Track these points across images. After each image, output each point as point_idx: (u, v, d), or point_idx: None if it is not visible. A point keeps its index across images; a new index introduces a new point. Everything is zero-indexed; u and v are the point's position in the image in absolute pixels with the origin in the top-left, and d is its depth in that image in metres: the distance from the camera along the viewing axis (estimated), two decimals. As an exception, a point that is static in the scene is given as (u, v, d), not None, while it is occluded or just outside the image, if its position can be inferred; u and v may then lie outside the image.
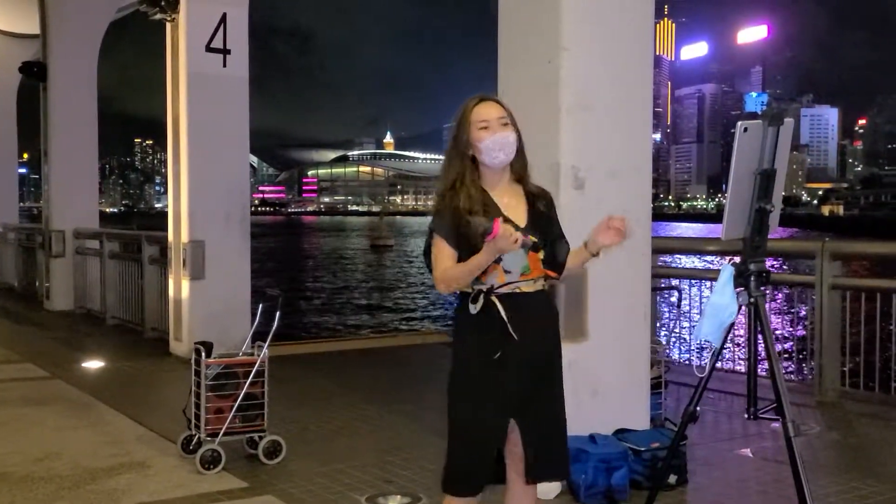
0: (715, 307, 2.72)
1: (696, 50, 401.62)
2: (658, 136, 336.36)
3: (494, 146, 2.91)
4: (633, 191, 4.95)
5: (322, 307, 28.23)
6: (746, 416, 2.80)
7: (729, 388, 6.80)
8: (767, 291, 7.44)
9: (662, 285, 7.73)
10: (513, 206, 2.96)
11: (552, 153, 4.72)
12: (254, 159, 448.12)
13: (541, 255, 2.91)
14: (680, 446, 4.85)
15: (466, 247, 2.82)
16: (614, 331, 4.93)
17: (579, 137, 4.76)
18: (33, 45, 14.33)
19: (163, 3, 8.54)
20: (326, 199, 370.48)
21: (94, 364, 8.41)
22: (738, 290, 2.74)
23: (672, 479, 4.74)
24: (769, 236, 2.79)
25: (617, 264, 4.89)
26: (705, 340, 2.89)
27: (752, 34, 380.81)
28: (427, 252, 2.99)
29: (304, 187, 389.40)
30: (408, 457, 5.22)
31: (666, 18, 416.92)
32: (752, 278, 2.74)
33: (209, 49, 8.62)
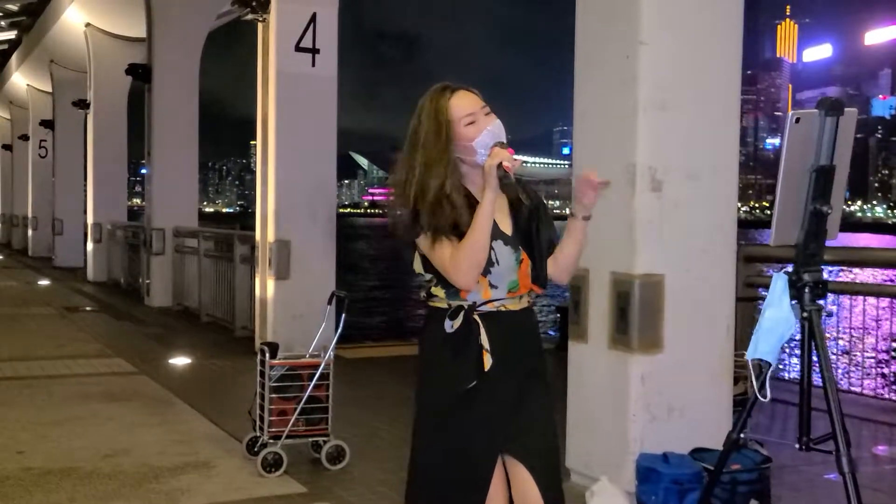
0: (772, 321, 2.43)
1: (819, 52, 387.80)
2: (777, 142, 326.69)
3: (489, 139, 2.47)
4: (714, 194, 4.62)
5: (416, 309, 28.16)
6: (798, 446, 2.49)
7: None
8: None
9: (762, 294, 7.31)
10: (496, 214, 2.51)
11: (628, 153, 4.47)
12: (364, 162, 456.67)
13: (528, 268, 2.56)
14: (764, 469, 4.53)
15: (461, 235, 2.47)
16: (693, 343, 4.62)
17: (657, 137, 4.47)
18: (142, 49, 14.78)
19: (254, 4, 8.61)
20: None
21: (180, 361, 8.53)
22: (791, 302, 2.44)
23: (753, 504, 4.42)
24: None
25: (697, 271, 4.59)
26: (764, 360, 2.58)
27: (881, 35, 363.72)
28: (426, 266, 2.57)
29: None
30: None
31: (788, 19, 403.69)
32: (807, 290, 2.44)
33: (298, 49, 8.64)
